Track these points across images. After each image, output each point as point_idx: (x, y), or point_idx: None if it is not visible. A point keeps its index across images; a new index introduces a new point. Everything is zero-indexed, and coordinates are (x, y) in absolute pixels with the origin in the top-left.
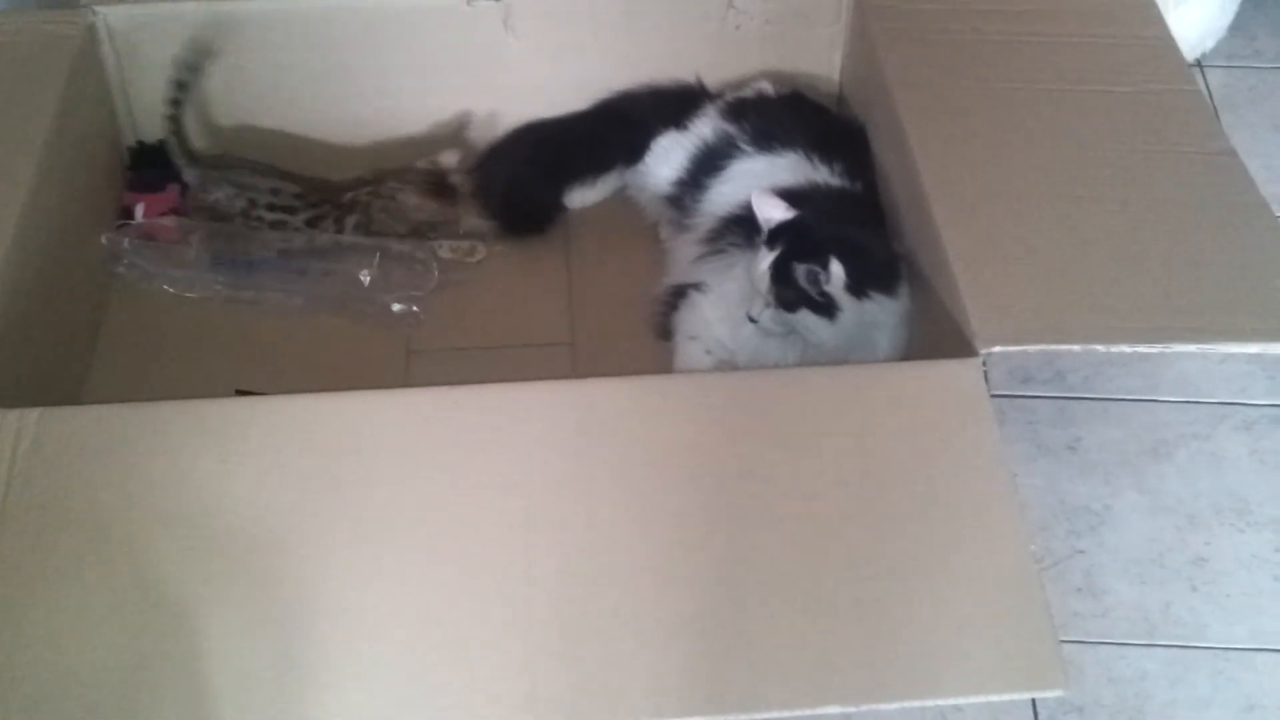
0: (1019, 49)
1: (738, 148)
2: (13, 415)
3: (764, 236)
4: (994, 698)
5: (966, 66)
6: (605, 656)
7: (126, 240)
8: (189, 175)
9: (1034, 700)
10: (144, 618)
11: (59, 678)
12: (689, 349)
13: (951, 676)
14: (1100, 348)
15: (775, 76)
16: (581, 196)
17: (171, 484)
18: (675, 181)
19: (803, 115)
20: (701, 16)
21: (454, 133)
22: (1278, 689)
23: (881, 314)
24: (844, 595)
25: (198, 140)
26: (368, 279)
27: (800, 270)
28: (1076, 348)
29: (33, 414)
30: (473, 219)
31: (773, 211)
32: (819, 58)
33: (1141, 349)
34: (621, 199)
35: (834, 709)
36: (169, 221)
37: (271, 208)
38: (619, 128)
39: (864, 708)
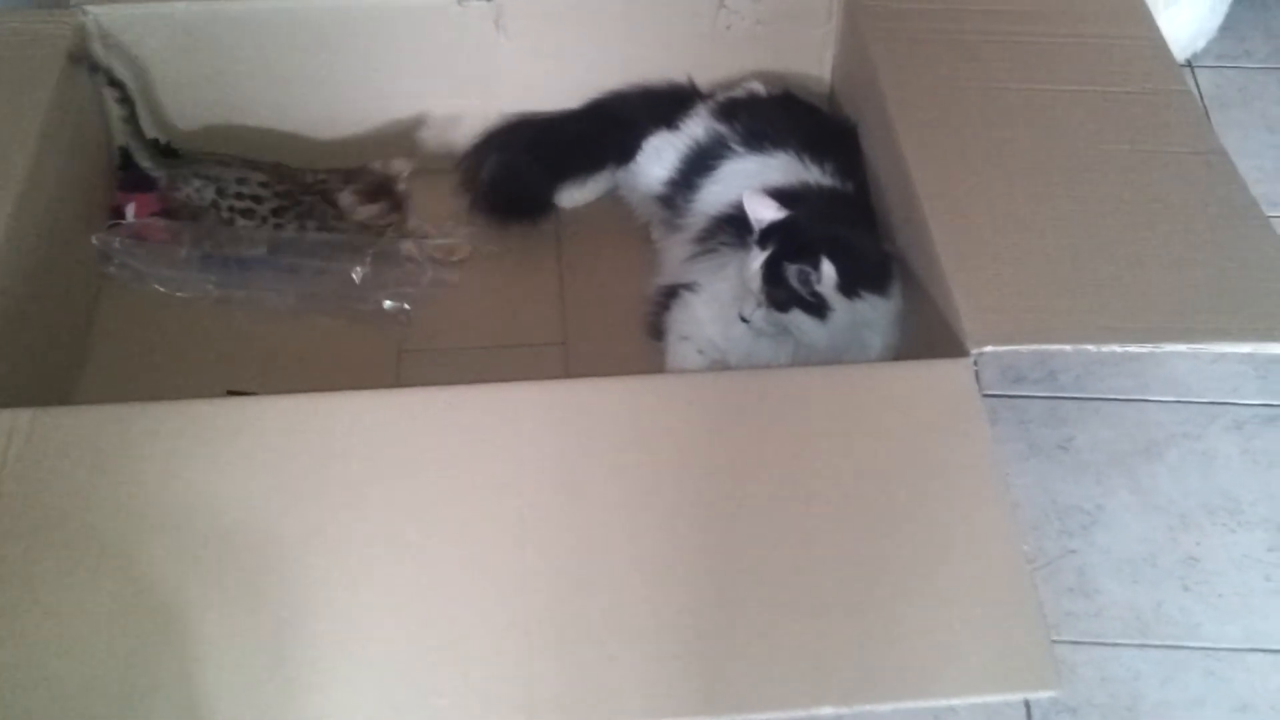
0: (1010, 49)
1: (729, 148)
2: (4, 416)
3: (755, 236)
4: (987, 698)
5: (958, 66)
6: (600, 657)
7: (117, 240)
8: (156, 175)
9: (1027, 701)
10: (136, 619)
11: (50, 680)
12: (681, 349)
13: (945, 677)
14: (1092, 347)
15: (766, 76)
16: (573, 196)
17: (163, 485)
18: (667, 181)
19: (794, 115)
20: (692, 16)
21: (442, 132)
22: (1270, 689)
23: (873, 314)
24: (837, 596)
25: (185, 143)
26: (360, 276)
27: (791, 270)
28: (1068, 347)
29: (24, 414)
30: (418, 223)
31: (764, 211)
32: (810, 58)
33: (1133, 349)
34: (613, 199)
35: (828, 710)
36: (160, 221)
37: (240, 196)
38: (610, 127)
39: (857, 708)
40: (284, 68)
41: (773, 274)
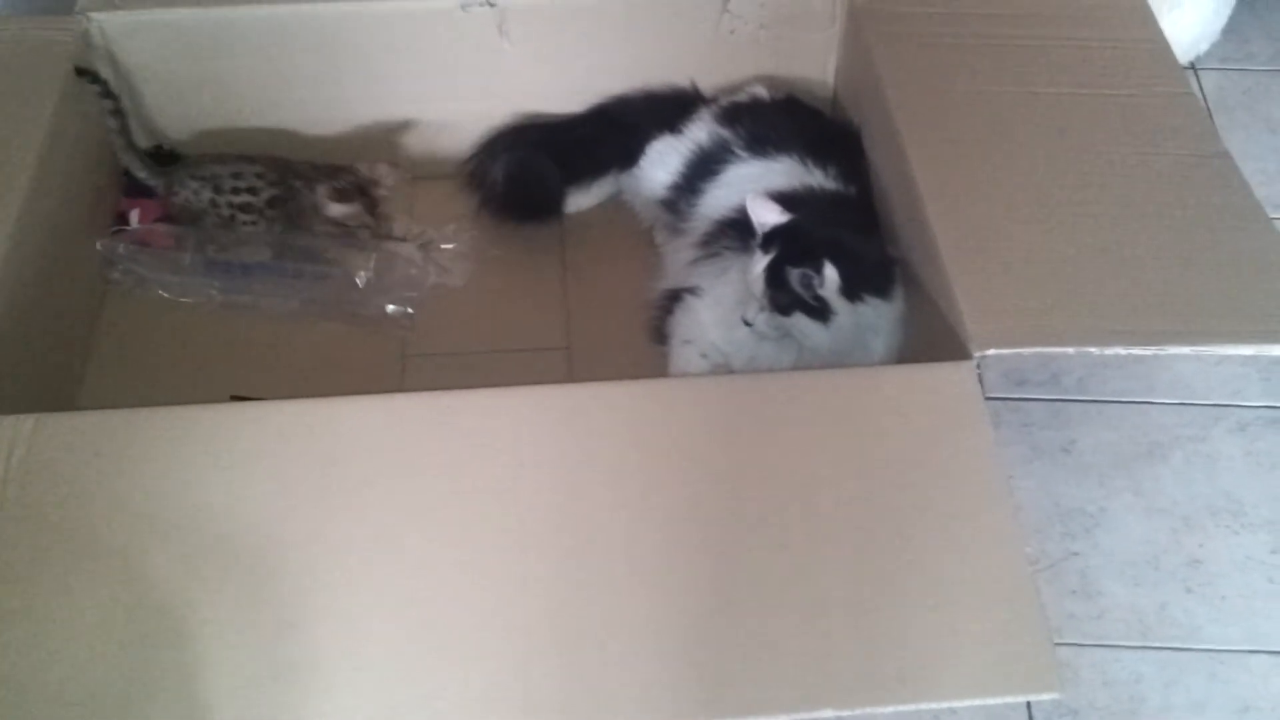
0: (1013, 52)
1: (732, 152)
2: (8, 421)
3: (759, 240)
4: (989, 700)
5: (961, 70)
6: (600, 660)
7: (121, 246)
8: (153, 183)
9: (1029, 703)
10: (139, 624)
11: (53, 684)
12: (684, 353)
13: (946, 679)
14: (1095, 350)
15: (770, 80)
16: (577, 201)
17: (166, 490)
18: (670, 186)
19: (797, 119)
20: (696, 21)
21: (445, 137)
22: (1272, 691)
23: (876, 317)
24: (839, 598)
25: (190, 148)
26: (363, 281)
27: (794, 274)
28: (1071, 350)
29: (28, 420)
30: (408, 224)
31: (767, 215)
32: (813, 62)
33: (1136, 351)
34: (616, 203)
35: (829, 712)
36: (163, 227)
37: (236, 190)
38: (614, 132)
39: (859, 711)
40: (288, 73)
41: (775, 277)
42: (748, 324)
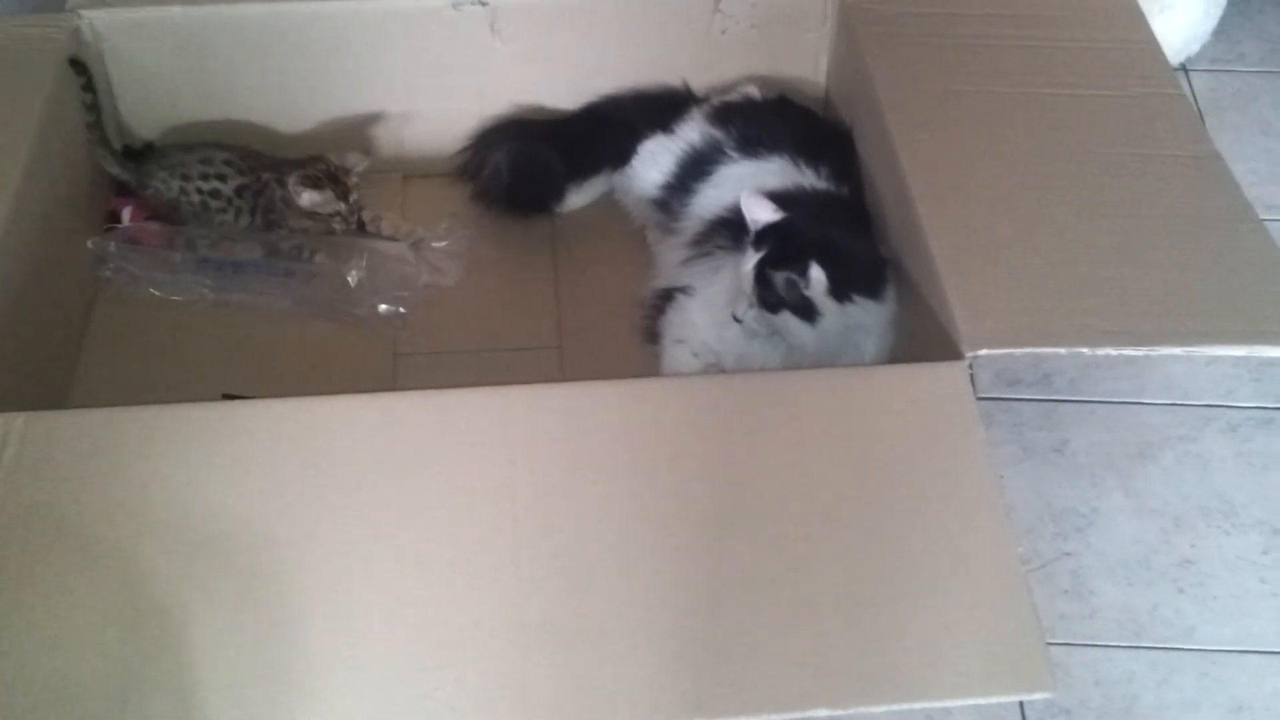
0: (1004, 53)
1: (724, 152)
2: None
3: (751, 237)
4: (982, 700)
5: (952, 70)
6: (595, 660)
7: (113, 244)
8: (126, 177)
9: (1021, 703)
10: (131, 623)
11: (45, 683)
12: (676, 352)
13: (939, 679)
14: (1086, 350)
15: (761, 80)
16: (569, 200)
17: (158, 488)
18: (662, 185)
19: (789, 119)
20: (687, 20)
21: (436, 136)
22: (1265, 691)
23: (866, 317)
24: (831, 598)
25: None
26: (355, 280)
27: (779, 277)
28: (1063, 350)
29: (18, 418)
30: (387, 224)
31: (761, 213)
32: (805, 62)
33: (1128, 352)
34: (608, 202)
35: (822, 712)
36: (154, 225)
37: (205, 177)
38: (606, 132)
39: (852, 711)
40: (279, 71)
41: (764, 276)
42: (737, 320)
